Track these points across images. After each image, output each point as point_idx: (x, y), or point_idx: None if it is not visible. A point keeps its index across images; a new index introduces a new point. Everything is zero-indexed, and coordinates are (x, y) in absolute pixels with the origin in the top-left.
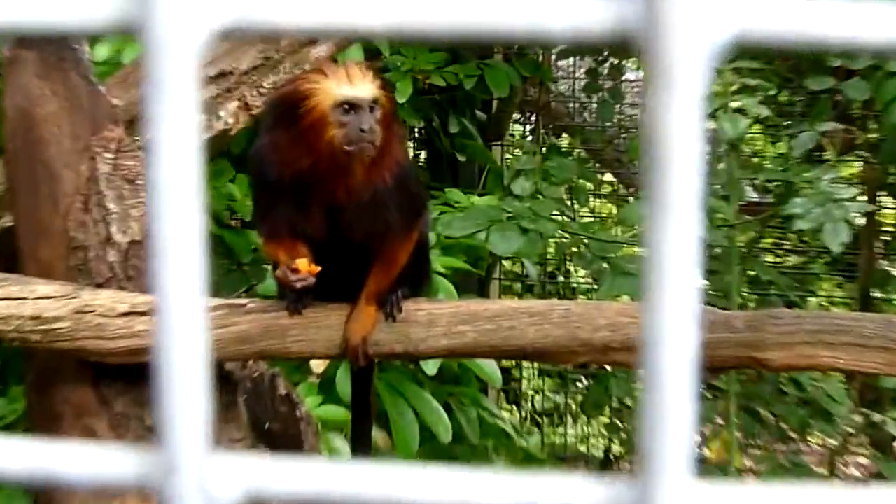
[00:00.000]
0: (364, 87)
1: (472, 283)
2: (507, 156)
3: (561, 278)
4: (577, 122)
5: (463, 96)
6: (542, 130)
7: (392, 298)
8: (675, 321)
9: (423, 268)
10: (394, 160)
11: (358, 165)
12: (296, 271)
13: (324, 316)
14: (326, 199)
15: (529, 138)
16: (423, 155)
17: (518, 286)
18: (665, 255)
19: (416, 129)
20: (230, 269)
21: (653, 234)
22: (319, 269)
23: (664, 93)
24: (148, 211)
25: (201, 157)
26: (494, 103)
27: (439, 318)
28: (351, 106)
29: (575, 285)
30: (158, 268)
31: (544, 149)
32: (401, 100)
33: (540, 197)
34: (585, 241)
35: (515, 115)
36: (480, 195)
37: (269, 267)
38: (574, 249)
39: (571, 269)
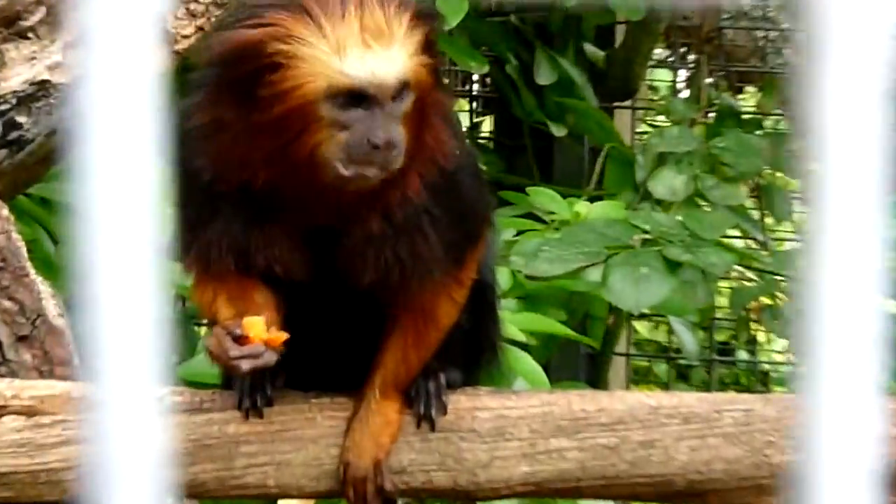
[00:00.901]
0: (388, 56)
1: (578, 361)
2: (643, 128)
3: (742, 353)
4: (771, 69)
5: (562, 20)
6: (707, 81)
7: (428, 387)
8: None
9: (483, 332)
10: (434, 155)
11: (354, 194)
12: (242, 339)
13: (304, 419)
14: (308, 217)
15: (684, 95)
16: (486, 125)
17: (661, 367)
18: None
19: (477, 80)
20: None
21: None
22: (285, 336)
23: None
24: None
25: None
26: (619, 32)
27: (515, 425)
28: (359, 97)
29: (768, 367)
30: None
31: (711, 115)
32: (449, 25)
33: (702, 204)
34: (786, 284)
35: (657, 53)
36: (592, 200)
37: (202, 329)
38: (766, 301)
39: (760, 336)
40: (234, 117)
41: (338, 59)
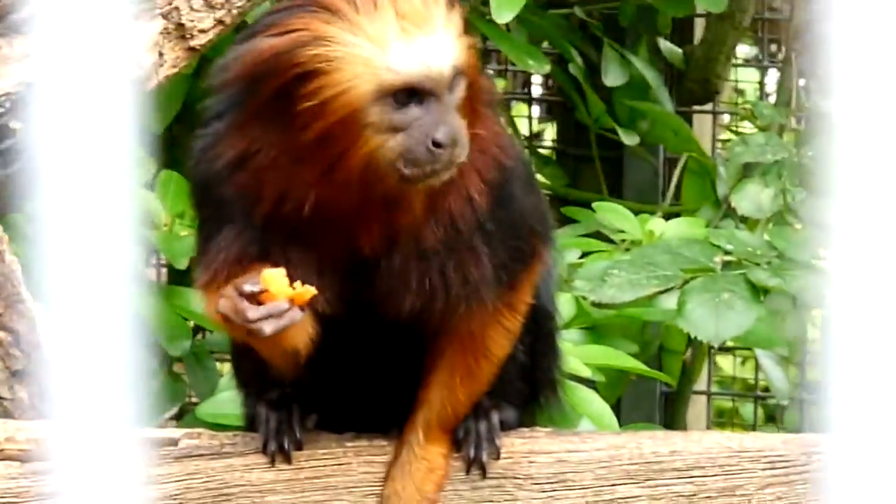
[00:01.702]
0: (436, 42)
1: (652, 400)
2: (726, 135)
3: None
4: None
5: (633, 13)
6: (798, 82)
7: (478, 428)
8: None
9: (541, 366)
10: (489, 148)
11: (419, 197)
12: (261, 297)
13: (338, 465)
14: (347, 246)
15: (772, 98)
16: (548, 133)
17: (748, 408)
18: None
19: (538, 82)
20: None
21: None
22: (313, 291)
23: None
24: None
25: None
26: (699, 26)
27: (577, 471)
28: (412, 93)
29: None
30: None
31: (805, 121)
32: (502, 20)
33: (793, 221)
34: None
35: (743, 51)
36: (668, 216)
37: (225, 366)
38: None
39: None
40: (267, 143)
41: (382, 55)
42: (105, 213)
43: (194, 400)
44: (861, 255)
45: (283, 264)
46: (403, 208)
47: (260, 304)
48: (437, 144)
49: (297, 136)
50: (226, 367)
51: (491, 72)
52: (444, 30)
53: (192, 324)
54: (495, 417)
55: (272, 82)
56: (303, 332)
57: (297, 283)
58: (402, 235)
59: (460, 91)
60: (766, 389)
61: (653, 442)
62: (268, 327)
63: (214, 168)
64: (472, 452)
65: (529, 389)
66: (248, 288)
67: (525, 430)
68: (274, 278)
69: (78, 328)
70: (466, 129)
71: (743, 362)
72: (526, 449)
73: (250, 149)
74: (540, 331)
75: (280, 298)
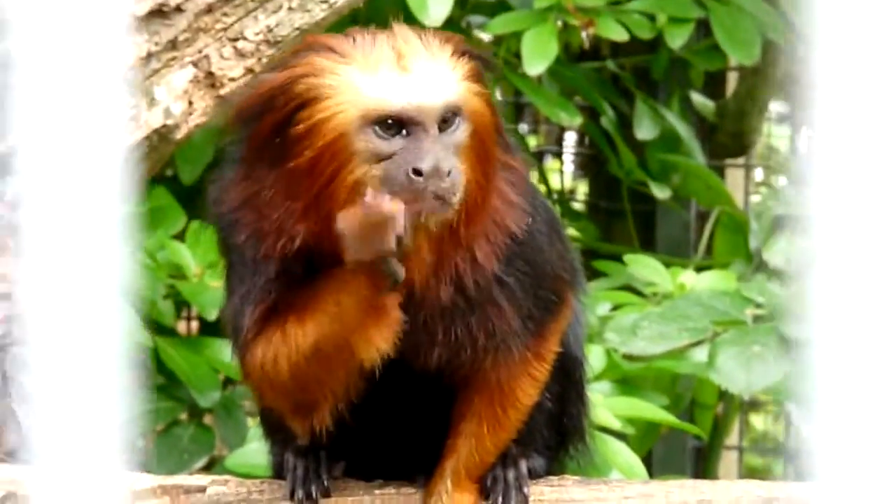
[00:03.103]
0: (429, 75)
1: (684, 455)
2: (760, 190)
3: None
4: None
5: (666, 65)
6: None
7: (506, 476)
8: None
9: (569, 414)
10: (502, 219)
11: (417, 241)
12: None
13: None
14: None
15: (805, 152)
16: (581, 189)
17: (779, 462)
18: None
19: (567, 134)
20: (175, 417)
21: None
22: None
23: None
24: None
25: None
26: (732, 79)
27: None
28: (398, 123)
29: None
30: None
31: None
32: (534, 71)
33: None
34: None
35: (776, 106)
36: (699, 270)
37: (254, 416)
38: None
39: None
40: (269, 181)
41: (370, 83)
42: (96, 268)
43: (224, 453)
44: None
45: None
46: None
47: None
48: (417, 172)
49: (290, 162)
50: (252, 423)
51: (525, 127)
52: (440, 68)
53: (221, 375)
54: (523, 465)
55: (270, 116)
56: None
57: None
58: (416, 286)
59: (461, 132)
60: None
61: (681, 490)
62: (401, 220)
63: (225, 212)
64: (500, 501)
65: (558, 437)
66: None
67: (553, 478)
68: None
69: (66, 372)
70: (475, 185)
71: (775, 420)
72: (554, 497)
73: (254, 188)
74: (568, 378)
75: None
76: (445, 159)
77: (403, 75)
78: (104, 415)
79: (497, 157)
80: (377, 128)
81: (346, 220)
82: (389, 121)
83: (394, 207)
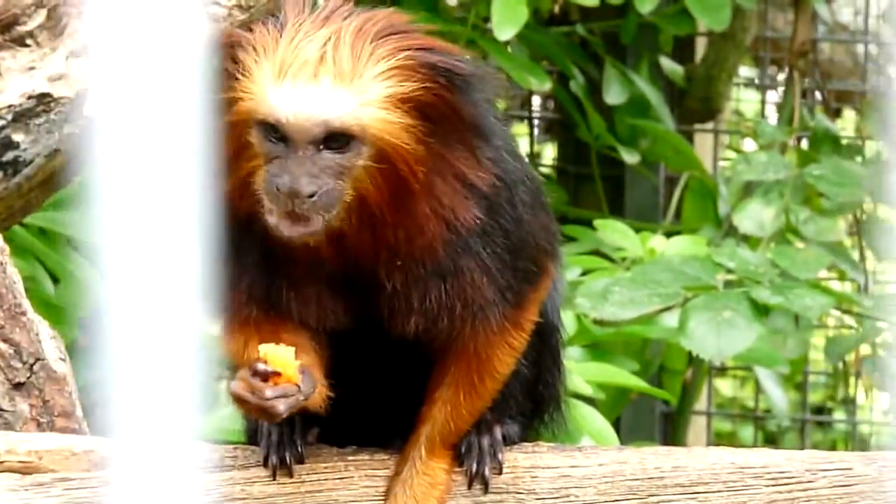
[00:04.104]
0: (322, 96)
1: (652, 419)
2: (727, 154)
3: (837, 413)
4: (872, 88)
5: (635, 31)
6: (799, 101)
7: (481, 443)
8: None
9: (545, 382)
10: (445, 218)
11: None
12: (270, 376)
13: (340, 479)
14: (336, 261)
15: (773, 118)
16: (549, 152)
17: (747, 427)
18: None
19: (538, 99)
20: None
21: None
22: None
23: None
24: None
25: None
26: (700, 45)
27: (580, 486)
28: (276, 134)
29: (866, 425)
30: None
31: (805, 139)
32: (504, 36)
33: (795, 240)
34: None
35: (745, 71)
36: (669, 235)
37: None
38: (865, 352)
39: (859, 391)
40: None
41: (274, 84)
42: (170, 221)
43: None
44: None
45: (288, 285)
46: (338, 237)
47: (265, 375)
48: (277, 188)
49: (218, 120)
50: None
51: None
52: (347, 86)
53: None
54: (498, 432)
55: (213, 63)
56: (318, 398)
57: (303, 356)
58: (389, 253)
59: (352, 156)
60: (766, 412)
61: (656, 457)
62: (282, 405)
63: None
64: (474, 467)
65: (533, 404)
66: (261, 367)
67: (528, 445)
68: (278, 356)
69: (139, 335)
70: (380, 195)
71: (742, 384)
72: (529, 464)
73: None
74: (545, 346)
75: (284, 378)
76: (310, 183)
77: (302, 85)
78: (179, 387)
79: (428, 175)
80: (263, 130)
81: (237, 387)
82: (273, 127)
83: (270, 399)
